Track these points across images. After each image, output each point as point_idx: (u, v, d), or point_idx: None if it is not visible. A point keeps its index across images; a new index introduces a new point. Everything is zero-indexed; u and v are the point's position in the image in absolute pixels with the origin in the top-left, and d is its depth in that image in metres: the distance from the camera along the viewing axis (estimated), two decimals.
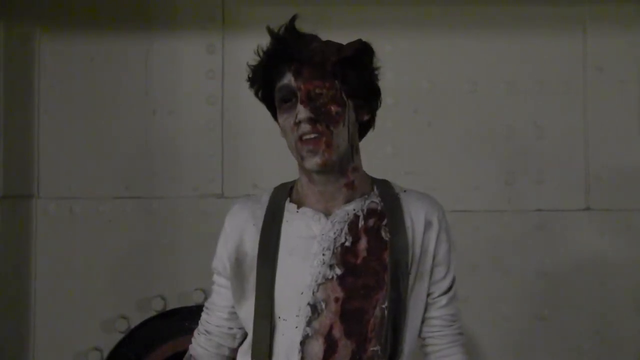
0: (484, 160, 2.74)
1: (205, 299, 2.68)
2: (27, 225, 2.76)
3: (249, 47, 2.79)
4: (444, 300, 1.58)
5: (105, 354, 2.72)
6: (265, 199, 1.63)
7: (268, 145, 2.77)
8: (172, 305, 2.73)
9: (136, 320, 2.73)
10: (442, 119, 2.74)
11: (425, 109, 2.75)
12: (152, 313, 2.73)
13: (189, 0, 2.82)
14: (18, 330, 2.74)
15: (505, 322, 2.70)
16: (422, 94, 2.75)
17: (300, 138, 1.48)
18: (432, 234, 1.55)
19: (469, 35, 2.76)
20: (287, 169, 2.74)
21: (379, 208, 1.54)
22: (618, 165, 2.74)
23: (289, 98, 1.50)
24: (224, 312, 1.67)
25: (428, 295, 1.56)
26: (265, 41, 2.88)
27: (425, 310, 1.57)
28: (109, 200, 2.77)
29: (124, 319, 2.71)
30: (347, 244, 1.51)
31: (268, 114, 2.82)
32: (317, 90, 1.48)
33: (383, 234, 1.52)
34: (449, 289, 1.59)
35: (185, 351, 2.80)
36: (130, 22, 2.81)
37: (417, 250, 1.53)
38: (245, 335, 1.64)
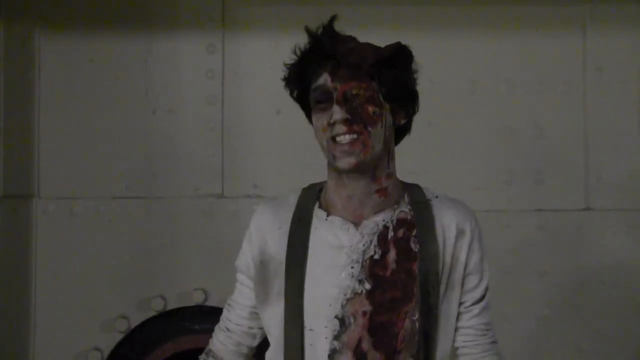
0: (484, 160, 2.74)
1: (206, 299, 2.70)
2: (27, 225, 2.76)
3: (249, 47, 2.83)
4: (476, 309, 1.55)
5: (105, 354, 2.72)
6: (292, 200, 1.59)
7: (268, 145, 2.77)
8: (172, 305, 2.73)
9: (136, 320, 2.73)
10: (442, 118, 2.73)
11: (425, 109, 2.73)
12: (152, 313, 2.73)
13: (189, 0, 2.82)
14: (18, 330, 2.74)
15: (505, 322, 2.69)
16: (422, 94, 2.73)
17: (334, 139, 1.45)
18: (464, 243, 1.52)
19: (469, 35, 2.76)
20: (287, 169, 2.76)
21: (409, 217, 1.51)
22: (618, 165, 2.74)
23: (325, 99, 1.47)
24: (244, 310, 1.64)
25: (460, 304, 1.54)
26: (266, 41, 2.89)
27: (457, 319, 1.54)
28: (109, 200, 2.76)
29: (124, 319, 2.71)
30: (376, 256, 1.48)
31: (268, 114, 2.84)
32: (354, 91, 1.46)
33: (412, 244, 1.49)
34: (482, 298, 1.56)
35: (185, 351, 2.81)
36: (130, 22, 2.81)
37: (448, 259, 1.51)
38: (265, 335, 1.62)
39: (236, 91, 2.78)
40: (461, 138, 2.74)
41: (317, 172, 2.71)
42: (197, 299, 2.70)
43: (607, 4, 2.75)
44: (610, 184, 2.73)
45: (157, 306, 2.71)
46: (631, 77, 2.75)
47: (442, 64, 2.75)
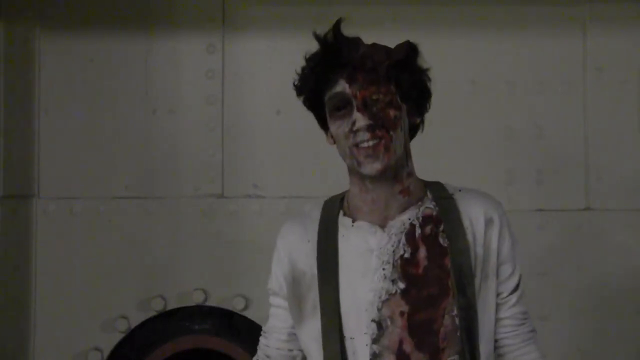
0: (483, 160, 2.74)
1: (206, 299, 2.70)
2: (27, 225, 2.76)
3: (249, 47, 2.83)
4: (513, 298, 1.54)
5: (105, 354, 2.72)
6: (316, 214, 1.58)
7: (268, 145, 2.77)
8: (172, 305, 2.73)
9: (136, 320, 2.73)
10: (442, 118, 2.72)
11: None
12: (152, 313, 2.73)
13: (189, 0, 2.82)
14: (18, 330, 2.74)
15: None
16: None
17: (357, 145, 1.45)
18: (494, 232, 1.51)
19: (469, 35, 2.76)
20: (287, 169, 2.76)
21: (434, 213, 1.51)
22: (618, 165, 2.74)
23: (343, 105, 1.47)
24: (282, 333, 1.62)
25: (497, 295, 1.52)
26: (266, 41, 2.89)
27: (496, 311, 1.53)
28: (109, 200, 2.76)
29: (124, 319, 2.71)
30: (406, 255, 1.47)
31: (268, 114, 2.84)
32: (374, 96, 1.45)
33: (441, 240, 1.49)
34: (517, 286, 1.55)
35: (185, 351, 2.81)
36: (130, 22, 2.81)
37: (480, 250, 1.50)
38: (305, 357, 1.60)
39: (236, 91, 2.79)
40: (461, 138, 2.74)
41: (317, 172, 2.72)
42: (197, 299, 2.70)
43: (607, 4, 2.75)
44: (610, 184, 2.73)
45: (157, 306, 2.71)
46: (631, 77, 2.75)
47: (442, 64, 2.74)
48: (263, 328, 1.68)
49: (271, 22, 2.78)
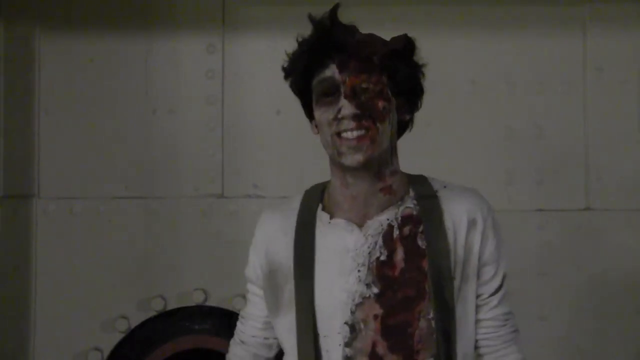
0: (483, 160, 2.74)
1: (206, 299, 2.70)
2: (27, 225, 2.76)
3: (249, 47, 2.84)
4: (494, 300, 1.49)
5: (105, 354, 2.72)
6: (296, 204, 1.54)
7: (268, 145, 2.77)
8: (172, 305, 2.73)
9: (136, 320, 2.73)
10: (442, 118, 2.73)
11: (424, 108, 2.73)
12: (152, 313, 2.73)
13: (189, 0, 2.82)
14: (18, 330, 2.74)
15: None
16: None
17: (339, 134, 1.40)
18: (476, 233, 1.46)
19: (469, 35, 2.76)
20: (287, 169, 2.76)
21: (415, 213, 1.45)
22: (618, 165, 2.74)
23: (331, 92, 1.41)
24: (258, 321, 1.61)
25: (477, 296, 1.47)
26: (266, 41, 2.89)
27: (476, 312, 1.48)
28: (109, 200, 2.76)
29: (124, 319, 2.71)
30: (382, 257, 1.42)
31: (268, 114, 2.84)
32: (364, 85, 1.40)
33: (419, 241, 1.44)
34: (499, 288, 1.49)
35: (185, 351, 2.82)
36: (130, 22, 2.81)
37: (460, 252, 1.44)
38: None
39: (236, 91, 2.79)
40: (461, 138, 2.74)
41: (317, 172, 2.71)
42: (197, 299, 2.70)
43: (607, 4, 2.75)
44: (610, 184, 2.73)
45: (157, 306, 2.71)
46: (631, 77, 2.75)
47: (442, 64, 2.74)
48: (240, 313, 1.67)
49: (271, 22, 2.78)
